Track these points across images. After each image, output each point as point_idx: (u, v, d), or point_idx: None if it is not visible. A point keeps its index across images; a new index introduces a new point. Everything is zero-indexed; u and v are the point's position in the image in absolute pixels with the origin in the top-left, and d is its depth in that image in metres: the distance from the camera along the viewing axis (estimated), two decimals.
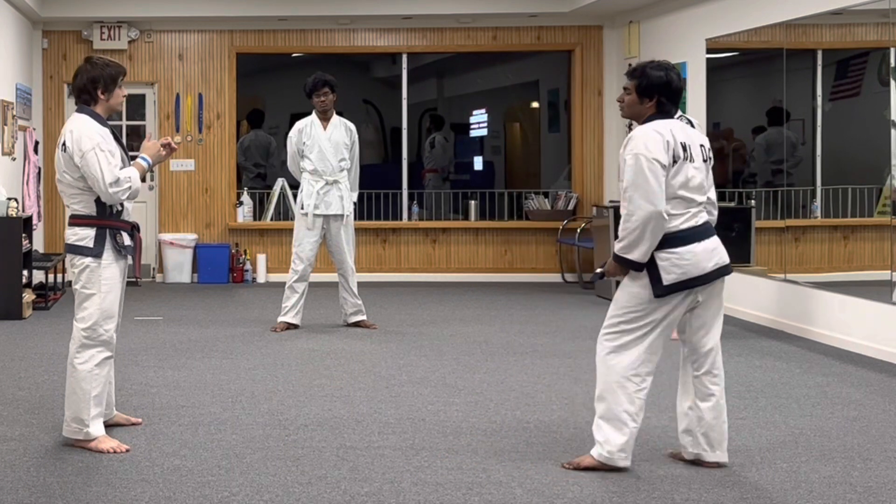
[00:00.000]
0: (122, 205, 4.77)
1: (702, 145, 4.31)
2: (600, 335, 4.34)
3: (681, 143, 4.20)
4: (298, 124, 8.00)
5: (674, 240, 4.18)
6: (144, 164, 4.81)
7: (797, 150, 8.34)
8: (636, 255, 4.18)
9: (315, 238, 7.87)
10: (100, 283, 4.69)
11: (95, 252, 4.69)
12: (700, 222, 4.25)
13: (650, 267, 4.18)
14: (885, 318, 6.81)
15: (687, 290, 4.21)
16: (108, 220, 4.72)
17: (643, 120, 4.31)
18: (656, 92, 4.28)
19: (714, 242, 4.28)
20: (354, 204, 8.09)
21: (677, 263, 4.17)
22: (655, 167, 4.12)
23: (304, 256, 7.84)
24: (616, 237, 4.29)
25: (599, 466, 4.32)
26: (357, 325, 8.05)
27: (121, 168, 4.68)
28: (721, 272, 4.27)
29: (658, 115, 4.29)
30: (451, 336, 7.69)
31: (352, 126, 8.06)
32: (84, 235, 4.71)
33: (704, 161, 4.29)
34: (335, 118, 7.97)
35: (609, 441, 4.28)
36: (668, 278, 4.17)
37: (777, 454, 4.61)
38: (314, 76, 7.94)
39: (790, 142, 8.31)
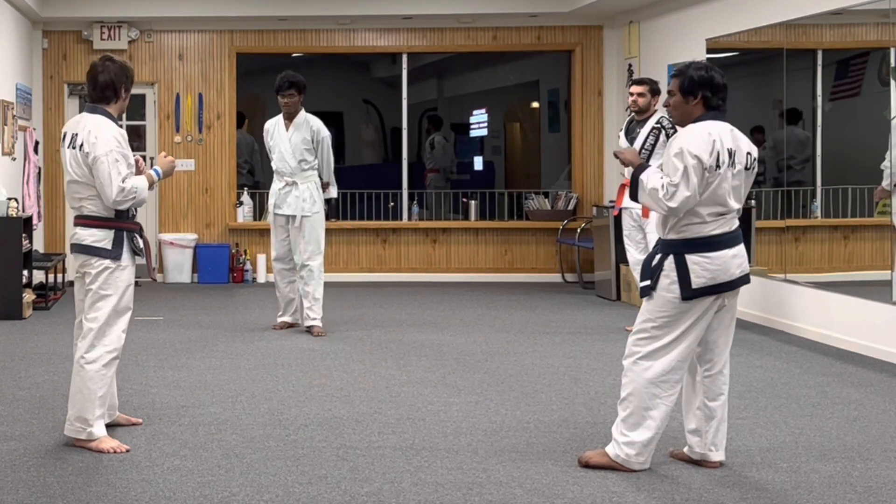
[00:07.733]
0: (135, 207, 4.78)
1: (748, 153, 4.31)
2: (630, 340, 4.35)
3: (728, 149, 4.21)
4: (267, 124, 7.92)
5: (707, 244, 4.21)
6: (155, 176, 4.85)
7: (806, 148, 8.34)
8: (638, 192, 4.32)
9: (283, 236, 7.82)
10: (117, 285, 4.69)
11: (115, 254, 4.68)
12: (732, 228, 4.28)
13: (680, 268, 4.21)
14: (885, 318, 6.81)
15: (715, 296, 4.24)
16: (125, 222, 4.73)
17: (694, 119, 4.31)
18: (699, 89, 4.28)
19: (741, 249, 4.31)
20: (335, 200, 7.84)
21: (708, 268, 4.20)
22: (697, 165, 4.15)
23: (276, 255, 7.86)
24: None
25: (612, 465, 4.32)
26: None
27: (128, 170, 4.69)
28: (745, 279, 4.31)
29: (708, 114, 4.30)
30: (451, 336, 7.69)
31: (316, 126, 7.71)
32: (102, 237, 4.68)
33: (747, 169, 4.29)
34: (300, 117, 7.71)
35: (631, 444, 4.28)
36: (697, 282, 4.19)
37: (777, 454, 4.61)
38: (282, 75, 7.71)
39: (798, 140, 8.28)
